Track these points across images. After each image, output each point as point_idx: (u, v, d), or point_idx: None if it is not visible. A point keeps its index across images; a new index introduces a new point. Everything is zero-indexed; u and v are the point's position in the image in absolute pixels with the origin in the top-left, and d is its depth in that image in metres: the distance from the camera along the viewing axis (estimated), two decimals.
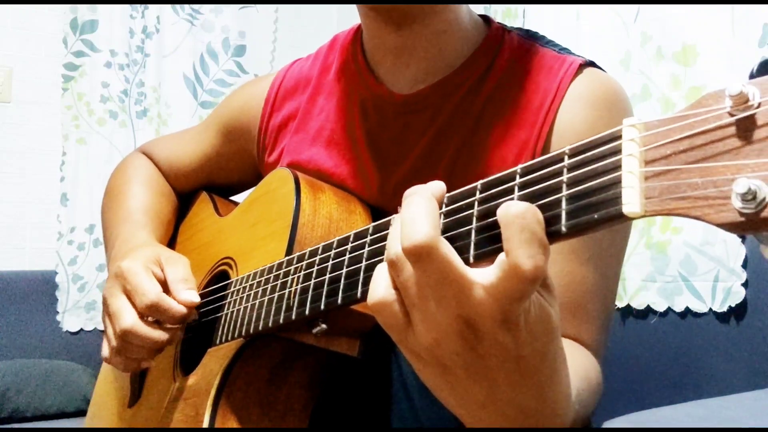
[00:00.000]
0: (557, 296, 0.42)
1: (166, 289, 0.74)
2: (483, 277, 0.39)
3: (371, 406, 0.73)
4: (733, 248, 1.33)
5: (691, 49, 1.39)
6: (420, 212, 0.40)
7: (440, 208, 0.43)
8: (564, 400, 0.44)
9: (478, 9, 0.83)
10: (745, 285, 1.32)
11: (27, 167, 2.29)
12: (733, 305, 1.33)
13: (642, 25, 1.50)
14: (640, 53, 1.50)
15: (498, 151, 0.71)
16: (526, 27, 0.95)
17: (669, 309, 1.44)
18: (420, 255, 0.39)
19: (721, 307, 1.34)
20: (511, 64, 0.75)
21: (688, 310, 1.41)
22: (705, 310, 1.38)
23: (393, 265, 0.41)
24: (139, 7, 2.37)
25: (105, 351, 0.77)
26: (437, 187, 0.44)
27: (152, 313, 0.72)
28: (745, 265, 1.32)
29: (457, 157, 0.72)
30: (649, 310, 1.49)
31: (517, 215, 0.37)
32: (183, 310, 0.71)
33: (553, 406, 0.43)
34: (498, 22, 0.80)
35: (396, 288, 0.42)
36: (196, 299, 0.73)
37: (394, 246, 0.41)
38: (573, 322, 0.67)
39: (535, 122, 0.70)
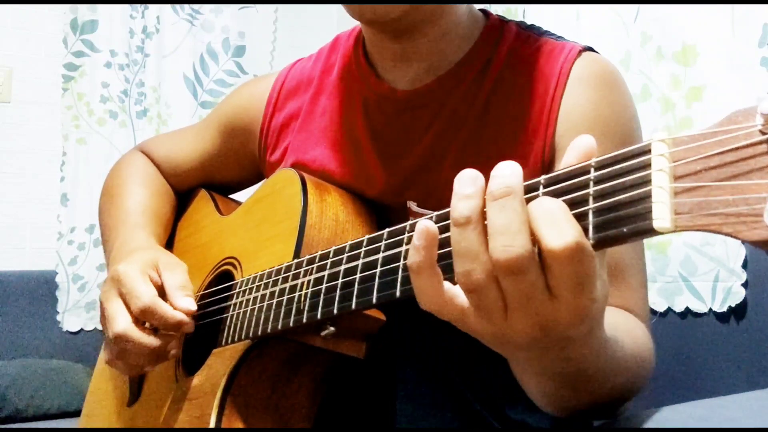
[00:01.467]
0: None
1: (162, 294, 0.74)
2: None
3: (375, 406, 0.73)
4: (733, 248, 1.33)
5: (691, 49, 1.39)
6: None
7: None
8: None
9: None
10: (745, 285, 1.32)
11: (27, 167, 2.28)
12: (733, 305, 1.33)
13: (642, 25, 1.50)
14: (640, 53, 1.50)
15: (508, 142, 0.71)
16: None
17: (669, 309, 1.44)
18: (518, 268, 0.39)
19: (721, 308, 1.34)
20: (512, 53, 0.75)
21: (688, 310, 1.41)
22: (705, 310, 1.37)
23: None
24: (139, 7, 2.36)
25: (107, 355, 0.77)
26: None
27: (146, 317, 0.72)
28: (745, 266, 1.32)
29: (466, 150, 0.72)
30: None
31: (540, 207, 0.38)
32: (178, 316, 0.71)
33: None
34: (496, 14, 0.80)
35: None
36: (193, 307, 0.72)
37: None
38: (618, 291, 0.67)
39: (542, 109, 0.70)
